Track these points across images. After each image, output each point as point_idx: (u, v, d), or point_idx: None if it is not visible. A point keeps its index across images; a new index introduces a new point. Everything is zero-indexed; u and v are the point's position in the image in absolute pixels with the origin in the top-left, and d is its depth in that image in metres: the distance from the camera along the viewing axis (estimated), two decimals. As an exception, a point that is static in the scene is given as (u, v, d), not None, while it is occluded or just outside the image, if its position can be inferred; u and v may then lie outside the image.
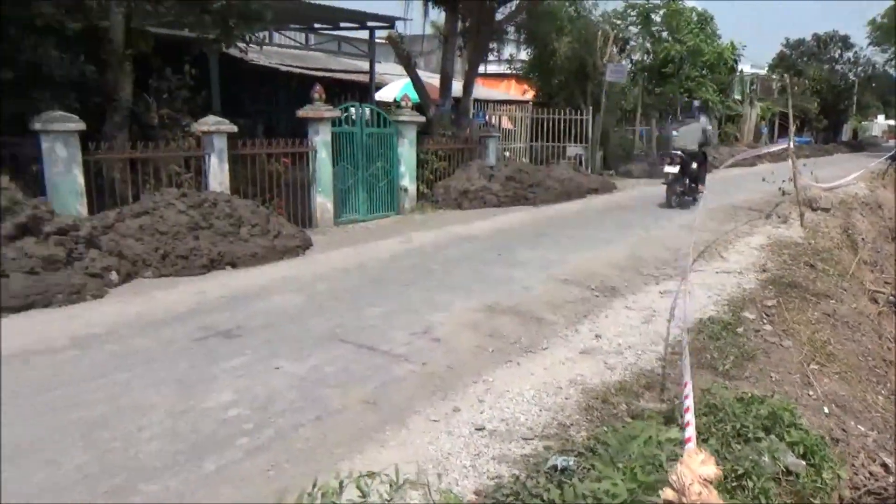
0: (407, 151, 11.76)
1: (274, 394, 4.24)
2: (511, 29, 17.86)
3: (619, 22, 22.30)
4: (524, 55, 21.09)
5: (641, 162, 20.07)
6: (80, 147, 7.53)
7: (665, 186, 12.70)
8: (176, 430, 3.75)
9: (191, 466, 3.40)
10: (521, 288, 6.81)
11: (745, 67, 32.99)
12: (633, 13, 23.23)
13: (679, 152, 12.37)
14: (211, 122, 8.90)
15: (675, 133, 13.33)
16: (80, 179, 7.53)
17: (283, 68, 15.33)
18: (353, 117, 10.98)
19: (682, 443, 2.70)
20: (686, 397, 2.72)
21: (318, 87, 10.24)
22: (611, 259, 8.19)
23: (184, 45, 10.22)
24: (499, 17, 15.51)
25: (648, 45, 24.31)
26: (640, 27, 23.67)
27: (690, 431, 2.50)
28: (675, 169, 12.30)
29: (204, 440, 3.65)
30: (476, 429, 3.94)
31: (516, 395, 4.41)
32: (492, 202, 12.28)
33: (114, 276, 6.46)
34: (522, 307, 6.18)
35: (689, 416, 2.58)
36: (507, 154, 16.90)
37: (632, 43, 23.65)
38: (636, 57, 24.37)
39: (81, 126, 7.49)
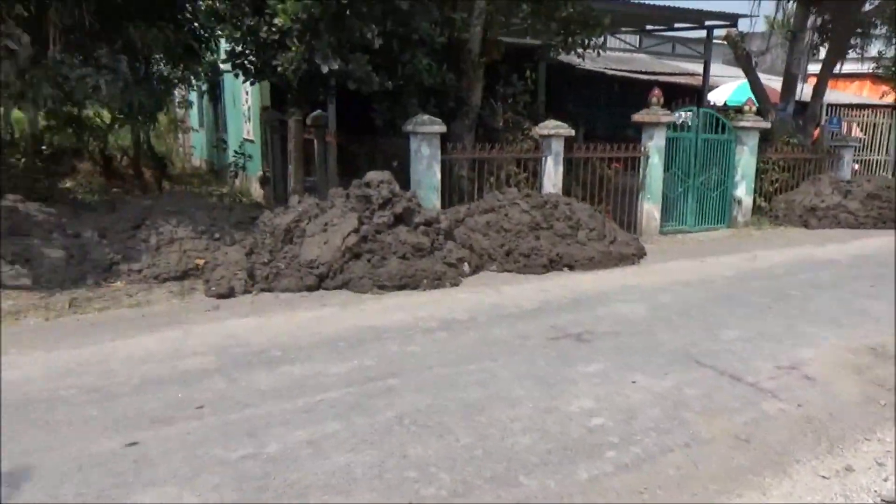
0: (745, 160, 10.78)
1: (635, 409, 4.11)
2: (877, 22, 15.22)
3: None
4: (889, 52, 17.83)
5: None
6: (439, 147, 8.34)
7: None
8: (545, 429, 3.83)
9: (564, 470, 3.42)
10: (910, 330, 5.69)
11: None
12: None
13: None
14: (550, 126, 9.16)
15: None
16: (438, 176, 8.35)
17: (609, 72, 15.22)
18: (688, 122, 10.41)
19: None
20: None
21: (656, 91, 9.92)
22: None
23: (524, 53, 10.72)
24: (866, 8, 13.33)
25: None
26: None
27: None
28: None
29: (573, 444, 3.67)
30: (883, 501, 3.31)
31: (931, 467, 3.63)
32: (847, 222, 10.64)
33: (466, 267, 7.00)
34: (918, 355, 5.14)
35: None
36: (856, 167, 14.50)
37: None
38: None
39: (443, 129, 8.27)
